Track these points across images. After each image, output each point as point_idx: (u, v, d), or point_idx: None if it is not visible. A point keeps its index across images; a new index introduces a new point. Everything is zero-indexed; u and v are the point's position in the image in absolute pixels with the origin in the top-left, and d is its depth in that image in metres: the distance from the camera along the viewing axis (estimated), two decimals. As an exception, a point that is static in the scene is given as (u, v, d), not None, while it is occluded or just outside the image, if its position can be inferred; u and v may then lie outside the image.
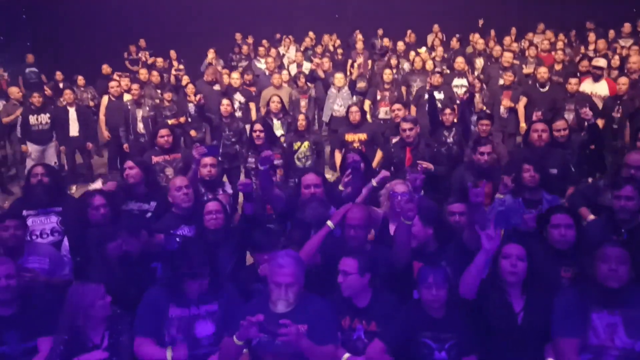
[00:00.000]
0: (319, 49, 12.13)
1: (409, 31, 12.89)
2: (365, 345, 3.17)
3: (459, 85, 8.33)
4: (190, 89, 8.30)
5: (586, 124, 5.77)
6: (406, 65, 10.33)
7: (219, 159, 6.42)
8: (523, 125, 7.41)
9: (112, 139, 8.46)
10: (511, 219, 4.21)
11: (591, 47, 10.78)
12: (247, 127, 7.63)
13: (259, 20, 14.55)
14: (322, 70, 9.19)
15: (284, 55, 12.07)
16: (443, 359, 3.06)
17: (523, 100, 7.62)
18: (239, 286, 3.51)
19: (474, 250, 3.21)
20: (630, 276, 3.00)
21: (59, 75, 11.17)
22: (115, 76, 10.40)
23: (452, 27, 13.36)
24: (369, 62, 11.17)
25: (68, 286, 3.23)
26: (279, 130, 6.88)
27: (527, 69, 9.41)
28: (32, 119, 8.09)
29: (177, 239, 4.10)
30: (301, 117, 6.63)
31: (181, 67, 11.39)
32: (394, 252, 3.48)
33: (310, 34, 13.07)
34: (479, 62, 10.06)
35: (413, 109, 7.78)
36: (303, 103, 8.77)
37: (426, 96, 6.94)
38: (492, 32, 12.42)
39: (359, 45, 11.52)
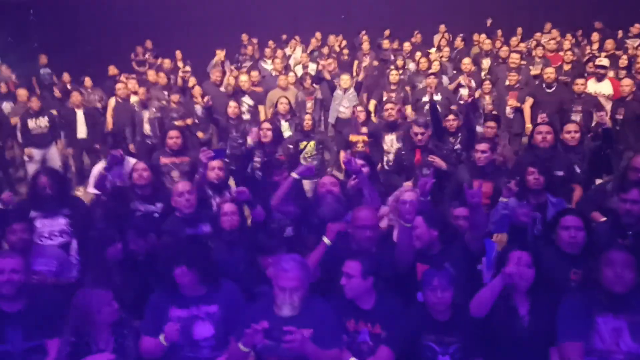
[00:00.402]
0: (325, 50, 12.13)
1: (415, 32, 12.88)
2: (370, 348, 3.18)
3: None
4: (197, 90, 8.32)
5: (600, 129, 5.66)
6: (412, 66, 10.32)
7: (226, 160, 6.47)
8: (529, 125, 7.38)
9: (118, 140, 8.48)
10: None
11: (595, 46, 10.71)
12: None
13: (265, 21, 14.56)
14: (328, 71, 9.19)
15: (290, 56, 12.08)
16: None
17: (529, 101, 7.60)
18: (245, 287, 3.53)
19: (476, 252, 3.20)
20: (636, 281, 2.98)
21: (66, 76, 11.23)
22: (122, 78, 10.44)
23: (458, 27, 13.32)
24: (375, 62, 11.17)
25: (75, 288, 3.26)
26: (286, 132, 6.90)
27: (534, 70, 9.36)
28: (31, 123, 8.12)
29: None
30: (307, 117, 6.66)
31: (188, 68, 11.42)
32: (397, 253, 3.49)
33: (317, 34, 13.06)
34: (486, 63, 10.03)
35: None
36: (309, 104, 8.78)
37: (426, 107, 6.90)
38: (499, 32, 12.40)
39: (365, 46, 11.52)
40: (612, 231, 3.81)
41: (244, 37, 13.13)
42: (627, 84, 6.69)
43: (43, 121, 8.22)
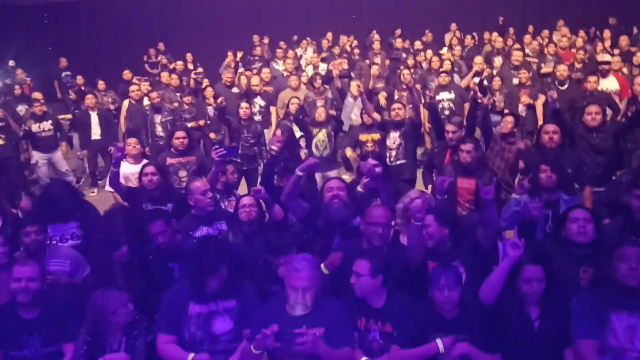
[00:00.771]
0: (336, 50, 12.14)
1: (426, 30, 12.86)
2: (380, 346, 3.18)
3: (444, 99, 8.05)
4: (209, 92, 8.37)
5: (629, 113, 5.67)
6: (424, 64, 10.29)
7: (238, 160, 6.50)
8: (541, 123, 7.33)
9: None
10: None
11: (607, 43, 10.59)
12: (267, 131, 7.72)
13: (276, 22, 14.62)
14: (339, 71, 9.18)
15: (301, 56, 12.09)
16: None
17: (541, 99, 7.54)
18: (258, 285, 3.54)
19: (488, 249, 3.19)
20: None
21: (79, 79, 11.34)
22: (135, 80, 10.52)
23: (469, 26, 13.28)
24: (387, 62, 11.15)
25: (84, 288, 3.28)
26: (298, 132, 6.91)
27: (546, 68, 9.27)
28: (35, 127, 8.29)
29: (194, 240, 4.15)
30: (320, 109, 6.67)
31: (200, 69, 11.48)
32: (408, 251, 3.50)
33: (329, 35, 13.06)
34: (498, 61, 9.98)
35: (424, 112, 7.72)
36: (319, 104, 8.77)
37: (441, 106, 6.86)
38: (511, 30, 12.32)
39: (376, 45, 11.49)
40: (625, 227, 3.79)
41: (255, 38, 13.18)
42: (639, 82, 6.63)
43: (46, 125, 8.38)
